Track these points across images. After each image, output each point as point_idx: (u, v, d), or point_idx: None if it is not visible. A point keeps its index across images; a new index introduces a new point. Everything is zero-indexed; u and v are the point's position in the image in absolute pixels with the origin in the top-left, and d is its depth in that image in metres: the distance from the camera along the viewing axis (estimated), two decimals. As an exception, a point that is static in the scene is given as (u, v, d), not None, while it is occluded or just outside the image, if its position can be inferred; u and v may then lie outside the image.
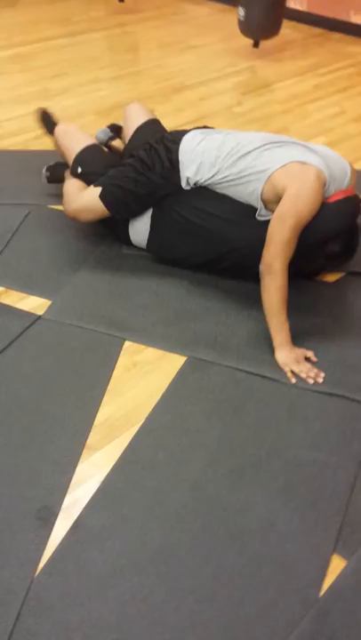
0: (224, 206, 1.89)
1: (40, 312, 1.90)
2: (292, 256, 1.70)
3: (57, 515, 1.34)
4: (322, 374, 1.66)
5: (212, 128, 2.09)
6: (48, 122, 2.50)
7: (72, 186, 2.13)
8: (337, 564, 1.26)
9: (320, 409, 1.58)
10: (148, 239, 2.05)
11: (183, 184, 1.94)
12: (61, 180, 2.31)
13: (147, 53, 4.07)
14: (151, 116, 2.27)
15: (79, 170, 2.11)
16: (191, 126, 2.17)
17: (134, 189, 1.95)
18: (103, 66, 3.83)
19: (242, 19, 3.76)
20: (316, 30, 4.53)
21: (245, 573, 1.23)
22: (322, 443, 1.49)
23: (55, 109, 3.23)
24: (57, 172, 2.36)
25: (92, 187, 2.04)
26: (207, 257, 1.97)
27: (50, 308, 1.91)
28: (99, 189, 1.99)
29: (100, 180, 2.02)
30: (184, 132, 1.99)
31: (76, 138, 2.19)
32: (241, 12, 3.74)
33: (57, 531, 1.32)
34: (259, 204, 1.82)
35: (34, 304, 1.93)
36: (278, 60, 3.98)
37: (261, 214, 1.83)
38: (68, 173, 2.23)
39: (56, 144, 2.28)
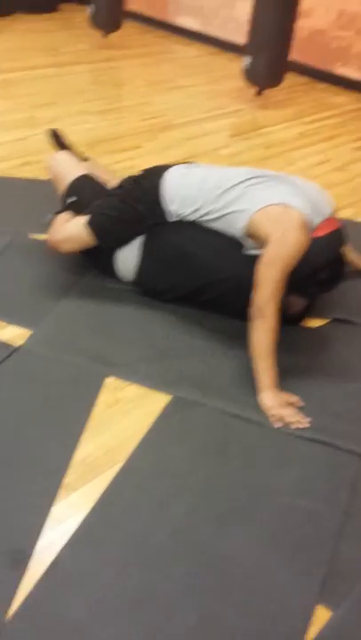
0: (213, 236, 1.90)
1: (20, 342, 1.84)
2: (285, 288, 1.71)
3: (30, 557, 1.28)
4: (307, 419, 1.65)
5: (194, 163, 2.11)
6: (59, 142, 2.51)
7: (60, 218, 2.11)
8: (322, 615, 1.22)
9: (306, 455, 1.56)
10: (136, 267, 2.03)
11: (167, 218, 1.94)
12: None
13: (134, 90, 4.13)
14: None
15: (70, 199, 2.10)
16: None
17: (121, 217, 1.96)
18: (90, 99, 3.87)
19: (247, 67, 3.87)
20: (302, 79, 4.68)
21: (229, 621, 1.18)
22: (307, 490, 1.46)
23: (42, 138, 3.23)
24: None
25: (78, 217, 2.03)
26: (192, 286, 1.97)
27: (30, 338, 1.87)
28: (85, 218, 1.99)
29: (87, 210, 2.01)
30: (167, 167, 2.01)
31: (69, 167, 2.19)
32: (246, 60, 3.85)
33: (30, 574, 1.25)
34: (245, 242, 1.85)
35: (13, 333, 1.88)
36: (265, 105, 4.08)
37: (248, 249, 1.85)
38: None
39: (50, 172, 2.27)
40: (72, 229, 2.01)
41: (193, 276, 1.95)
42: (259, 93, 4.12)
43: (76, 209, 2.08)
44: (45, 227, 2.31)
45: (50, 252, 2.09)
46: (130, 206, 1.95)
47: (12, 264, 2.19)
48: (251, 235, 1.81)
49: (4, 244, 2.28)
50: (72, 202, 2.10)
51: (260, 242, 1.77)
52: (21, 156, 3.00)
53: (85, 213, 2.00)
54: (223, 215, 1.85)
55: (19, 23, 5.45)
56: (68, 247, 2.03)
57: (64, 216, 2.11)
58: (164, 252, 1.97)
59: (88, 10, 4.76)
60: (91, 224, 1.97)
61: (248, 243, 1.84)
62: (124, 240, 2.01)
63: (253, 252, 1.82)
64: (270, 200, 1.77)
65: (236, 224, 1.82)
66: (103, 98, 3.92)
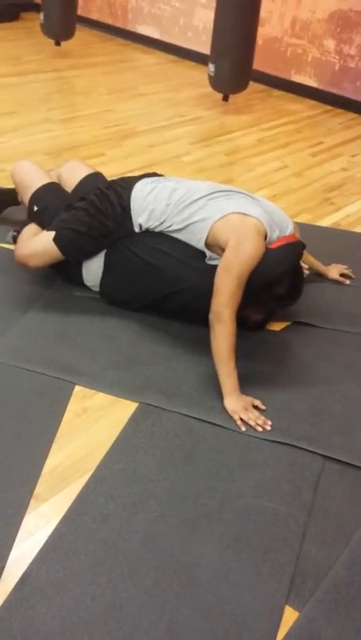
0: (177, 246, 1.94)
1: (-14, 354, 1.84)
2: (242, 301, 1.76)
3: (2, 569, 1.28)
4: (269, 422, 1.70)
5: (161, 175, 2.15)
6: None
7: (26, 232, 2.12)
8: (290, 616, 1.26)
9: (270, 457, 1.60)
10: (102, 278, 2.05)
11: (136, 229, 1.97)
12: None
13: (96, 98, 4.15)
14: (94, 170, 2.30)
15: (35, 208, 2.11)
16: (140, 173, 2.21)
17: (88, 232, 1.97)
18: (53, 107, 3.87)
19: (212, 74, 3.93)
20: (259, 86, 4.77)
21: (199, 627, 1.21)
22: (273, 491, 1.51)
23: (5, 147, 3.22)
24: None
25: (44, 232, 2.03)
26: (156, 295, 2.00)
27: (-4, 349, 1.87)
28: (52, 234, 1.99)
29: (53, 224, 2.02)
30: (135, 180, 2.03)
31: (33, 176, 2.18)
32: (211, 67, 3.90)
33: (2, 586, 1.26)
34: (206, 252, 1.89)
35: (-21, 345, 1.88)
36: (224, 113, 4.15)
37: (211, 259, 1.89)
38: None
39: (15, 180, 2.26)
40: (39, 244, 2.01)
41: (156, 286, 1.98)
42: (225, 99, 4.19)
43: (41, 218, 2.09)
44: (10, 243, 2.32)
45: (18, 265, 2.09)
46: (97, 220, 1.97)
47: (-24, 276, 2.18)
48: (212, 244, 1.86)
49: (-33, 256, 2.27)
50: (36, 211, 2.11)
51: (221, 251, 1.82)
52: (-17, 165, 2.99)
53: (52, 227, 2.01)
54: (186, 226, 1.89)
55: (-22, 31, 5.41)
56: (35, 262, 2.04)
57: (30, 230, 2.12)
58: (128, 263, 1.99)
59: (40, 17, 4.74)
60: (58, 239, 1.98)
61: (209, 252, 1.89)
62: (91, 253, 2.03)
63: (215, 262, 1.86)
64: (230, 209, 1.82)
65: (198, 233, 1.87)
66: (66, 106, 3.92)
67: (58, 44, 5.00)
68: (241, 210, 1.82)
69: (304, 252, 2.24)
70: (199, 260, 1.91)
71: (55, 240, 1.97)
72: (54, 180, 2.26)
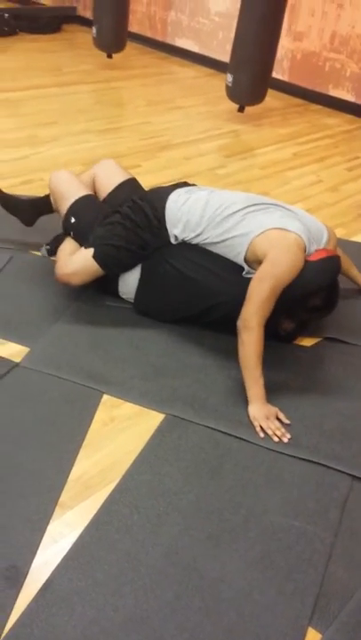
0: (215, 260, 1.94)
1: (17, 359, 1.87)
2: (276, 310, 1.76)
3: (26, 575, 1.29)
4: (288, 435, 1.69)
5: (193, 185, 2.16)
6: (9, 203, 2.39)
7: (64, 250, 2.13)
8: (312, 637, 1.24)
9: (298, 475, 1.58)
10: (137, 289, 2.06)
11: (172, 240, 1.98)
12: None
13: (134, 109, 4.20)
14: (129, 175, 2.31)
15: (72, 220, 2.12)
16: (174, 184, 2.22)
17: (126, 246, 1.98)
18: (92, 118, 3.93)
19: (229, 84, 3.94)
20: (296, 100, 4.77)
21: (220, 646, 1.20)
22: (299, 510, 1.49)
23: (44, 156, 3.29)
24: (57, 244, 2.30)
25: (82, 249, 2.05)
26: (196, 309, 2.01)
27: (28, 355, 1.89)
28: (91, 250, 2.01)
29: (90, 240, 2.04)
30: (168, 191, 2.04)
31: (70, 187, 2.19)
32: (229, 77, 3.91)
33: (25, 592, 1.26)
34: (245, 266, 1.88)
35: (11, 351, 1.91)
36: (260, 126, 4.16)
37: (248, 273, 1.89)
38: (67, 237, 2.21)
39: (51, 190, 2.27)
40: (79, 262, 2.03)
41: (193, 299, 1.99)
42: (240, 110, 4.19)
43: (77, 230, 2.11)
44: (43, 257, 2.34)
45: (61, 283, 2.09)
46: (134, 233, 1.98)
47: (12, 281, 2.22)
48: (250, 259, 1.86)
49: (4, 261, 2.31)
50: (73, 223, 2.13)
51: (259, 265, 1.82)
52: (23, 174, 3.05)
53: (90, 244, 2.03)
54: (224, 240, 1.90)
55: (22, 43, 5.55)
56: (77, 280, 2.05)
57: (68, 246, 2.13)
58: (165, 275, 2.00)
59: (93, 31, 4.85)
60: (97, 256, 2.00)
61: (247, 267, 1.88)
62: (130, 267, 2.05)
63: (252, 275, 1.86)
64: (270, 225, 1.83)
65: (237, 248, 1.88)
66: (104, 117, 3.98)
67: (110, 56, 5.10)
68: (281, 225, 1.82)
69: (348, 262, 2.23)
70: (236, 274, 1.91)
71: (95, 257, 2.00)
72: (88, 181, 2.28)
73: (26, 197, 2.42)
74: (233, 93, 4.00)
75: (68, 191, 2.19)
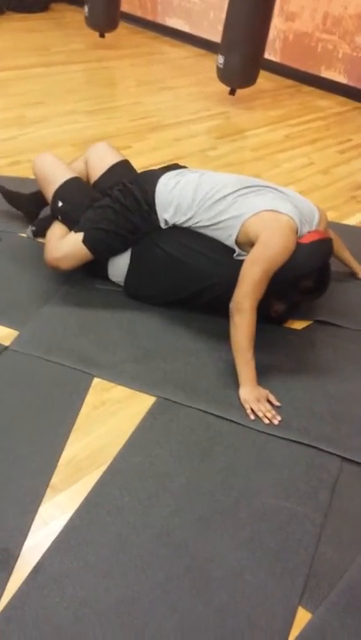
0: (206, 243, 1.93)
1: (6, 343, 1.86)
2: (268, 292, 1.76)
3: (17, 558, 1.29)
4: (278, 417, 1.69)
5: (183, 167, 2.13)
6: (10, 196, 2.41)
7: (53, 234, 2.10)
8: (302, 617, 1.25)
9: (288, 457, 1.59)
10: (128, 273, 2.05)
11: (162, 224, 1.96)
12: (47, 228, 2.25)
13: (124, 90, 4.14)
14: (122, 157, 2.27)
15: (59, 204, 2.09)
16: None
17: (116, 230, 1.96)
18: (80, 99, 3.87)
19: (220, 66, 3.87)
20: (288, 82, 4.72)
21: (211, 624, 1.21)
22: (289, 492, 1.49)
23: (32, 137, 3.24)
24: (42, 225, 2.31)
25: (72, 233, 2.03)
26: (187, 292, 1.99)
27: (17, 339, 1.88)
28: (80, 235, 1.99)
29: (80, 224, 2.02)
30: (158, 174, 2.02)
31: (56, 170, 2.16)
32: (220, 59, 3.85)
33: (17, 575, 1.26)
34: (236, 248, 1.87)
35: (0, 334, 1.89)
36: (251, 107, 4.11)
37: (239, 256, 1.88)
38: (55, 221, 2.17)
39: (36, 174, 2.24)
40: (69, 246, 2.01)
41: (184, 283, 1.98)
42: (232, 93, 4.13)
43: (65, 214, 2.09)
44: (29, 239, 2.32)
45: (50, 267, 2.07)
46: (124, 217, 1.96)
47: (0, 264, 2.20)
48: (242, 241, 1.84)
49: (-9, 245, 2.28)
50: (61, 207, 2.10)
51: (251, 247, 1.80)
52: (11, 155, 3.01)
53: (79, 228, 2.01)
54: (216, 223, 1.88)
55: (9, 22, 5.44)
56: (67, 264, 2.03)
57: (57, 230, 2.10)
58: (155, 259, 1.98)
59: (85, 10, 4.76)
60: (87, 240, 1.98)
61: (239, 249, 1.87)
62: (120, 251, 2.03)
63: (243, 257, 1.85)
64: (262, 206, 1.81)
65: (229, 230, 1.86)
66: (94, 98, 3.93)
67: (102, 35, 5.02)
68: (273, 207, 1.81)
69: (341, 246, 2.22)
70: (227, 256, 1.90)
71: (85, 241, 1.98)
72: (82, 166, 2.26)
73: (27, 193, 2.38)
74: (224, 75, 3.94)
75: (54, 174, 2.15)
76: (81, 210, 2.04)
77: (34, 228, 2.33)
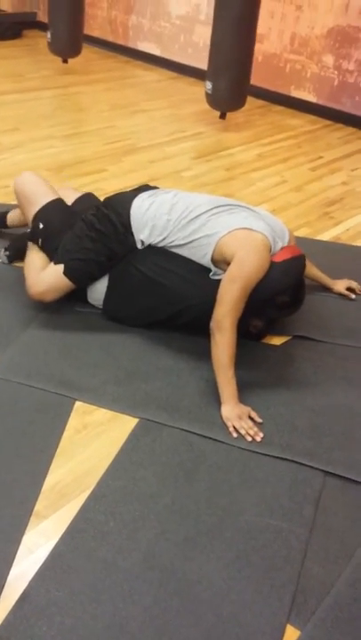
0: (181, 264, 1.95)
1: (-13, 369, 1.85)
2: (246, 309, 1.78)
3: (2, 587, 1.28)
4: (261, 434, 1.70)
5: (155, 188, 2.15)
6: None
7: (33, 266, 2.08)
8: (291, 634, 1.25)
9: (271, 473, 1.60)
10: (106, 296, 2.06)
11: (138, 245, 1.98)
12: (22, 256, 2.25)
13: (98, 114, 4.19)
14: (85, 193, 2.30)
15: (40, 226, 2.08)
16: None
17: (95, 258, 1.98)
18: (55, 124, 3.90)
19: (209, 92, 3.95)
20: (259, 102, 4.81)
21: (200, 648, 1.20)
22: (274, 508, 1.50)
23: (7, 163, 3.25)
24: (17, 249, 2.31)
25: (51, 265, 2.03)
26: (165, 314, 2.01)
27: (-3, 365, 1.87)
28: (61, 267, 1.99)
29: (59, 255, 2.02)
30: (131, 196, 2.04)
31: (38, 190, 2.14)
32: (208, 85, 3.93)
33: (2, 604, 1.25)
34: (211, 267, 1.90)
35: (-20, 361, 1.89)
36: (224, 128, 4.18)
37: (215, 275, 1.90)
38: (31, 245, 2.16)
39: (16, 192, 2.20)
40: (50, 279, 2.01)
41: (162, 304, 1.99)
42: (222, 117, 4.22)
43: (45, 237, 2.08)
44: (4, 263, 2.31)
45: (33, 300, 2.07)
46: (101, 244, 1.98)
47: (-23, 291, 2.19)
48: (217, 259, 1.87)
49: (-31, 272, 2.28)
50: (42, 229, 2.08)
51: (226, 266, 1.83)
52: (-14, 181, 3.02)
53: (59, 260, 2.01)
54: (191, 242, 1.91)
55: (-19, 49, 5.48)
56: (51, 297, 2.03)
57: (37, 261, 2.09)
58: (132, 281, 2.00)
59: (47, 35, 4.81)
60: (68, 272, 1.99)
61: (215, 268, 1.90)
62: (100, 277, 2.04)
63: (219, 277, 1.87)
64: (236, 225, 1.85)
65: (204, 249, 1.89)
66: (68, 122, 3.96)
67: (65, 61, 5.06)
68: (246, 225, 1.84)
69: (308, 264, 2.26)
70: (203, 277, 1.92)
71: (66, 273, 1.99)
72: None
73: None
74: (213, 101, 4.01)
75: (35, 195, 2.14)
76: (61, 234, 2.04)
77: (8, 253, 2.33)
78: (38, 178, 2.20)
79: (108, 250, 1.98)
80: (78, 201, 2.24)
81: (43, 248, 2.11)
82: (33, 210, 2.12)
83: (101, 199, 2.20)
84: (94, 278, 2.04)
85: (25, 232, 2.27)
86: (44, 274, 2.04)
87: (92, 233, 1.99)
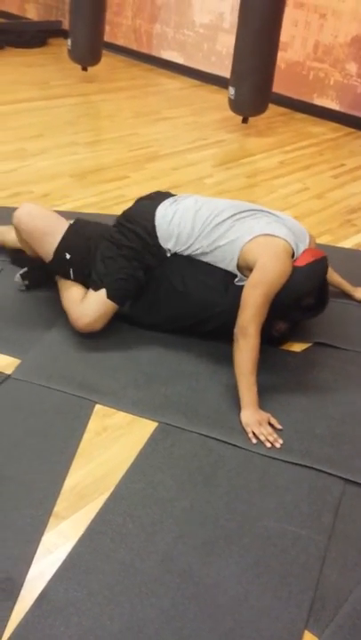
0: (205, 271, 1.96)
1: (8, 371, 1.87)
2: (270, 312, 1.79)
3: (21, 587, 1.29)
4: (280, 440, 1.70)
5: (168, 194, 2.13)
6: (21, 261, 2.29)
7: (72, 299, 2.02)
8: (308, 642, 1.24)
9: (291, 480, 1.59)
10: (131, 304, 2.05)
11: (167, 254, 2.00)
12: (40, 284, 2.22)
13: (121, 121, 4.23)
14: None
15: (67, 256, 2.00)
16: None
17: (134, 275, 1.98)
18: (79, 130, 3.95)
19: (232, 97, 3.99)
20: (281, 109, 4.82)
21: (217, 652, 1.20)
22: (293, 515, 1.49)
23: (32, 169, 3.30)
24: (34, 277, 2.23)
25: (91, 292, 1.98)
26: (190, 321, 2.02)
27: (19, 367, 1.89)
28: (103, 292, 1.96)
29: (95, 282, 1.98)
30: (153, 205, 2.03)
31: (49, 220, 2.06)
32: (231, 91, 3.97)
33: (21, 604, 1.26)
34: (237, 273, 1.91)
35: (2, 363, 1.91)
36: (246, 135, 4.20)
37: (240, 281, 1.92)
38: (59, 278, 2.08)
39: (23, 229, 2.06)
40: (96, 308, 1.97)
41: (188, 312, 2.00)
42: (244, 121, 4.24)
43: (76, 266, 2.02)
44: (21, 288, 2.23)
45: (84, 332, 2.00)
46: (136, 261, 1.97)
47: (1, 293, 2.22)
48: (241, 265, 1.88)
49: (-7, 275, 2.31)
50: (69, 259, 2.01)
51: (249, 272, 1.84)
52: (11, 186, 3.06)
53: (98, 285, 1.97)
54: (215, 248, 1.92)
55: (9, 57, 5.57)
56: (100, 324, 1.99)
57: (73, 293, 2.03)
58: (158, 290, 2.00)
59: (68, 43, 4.87)
60: (112, 295, 1.96)
61: (238, 274, 1.91)
62: (138, 293, 2.02)
63: (243, 282, 1.88)
64: (258, 231, 1.86)
65: (229, 255, 1.90)
66: (91, 129, 4.01)
67: (85, 69, 5.12)
68: (269, 231, 1.85)
69: (330, 270, 2.26)
70: (227, 283, 1.93)
71: (110, 297, 1.96)
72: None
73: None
74: (236, 106, 4.06)
75: (49, 226, 2.04)
76: (89, 257, 2.00)
77: (27, 283, 2.22)
78: (42, 208, 2.12)
79: (144, 265, 1.98)
80: (75, 227, 2.11)
81: (75, 279, 2.04)
82: (51, 240, 2.01)
83: (124, 207, 2.19)
84: (133, 295, 2.01)
85: (41, 263, 2.14)
86: (87, 303, 1.98)
87: (123, 251, 1.97)
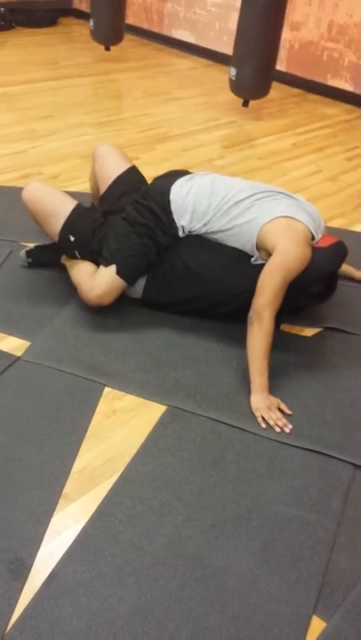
0: (220, 251, 1.94)
1: (18, 353, 1.87)
2: (286, 296, 1.77)
3: (30, 567, 1.30)
4: (290, 426, 1.69)
5: (185, 172, 2.11)
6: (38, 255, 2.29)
7: (84, 272, 2.03)
8: (317, 625, 1.24)
9: (300, 465, 1.58)
10: (146, 286, 2.04)
11: (180, 233, 1.97)
12: (44, 264, 2.23)
13: (132, 102, 4.18)
14: (128, 163, 2.22)
15: (71, 239, 2.02)
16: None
17: (145, 252, 1.96)
18: (89, 111, 3.91)
19: (233, 78, 3.89)
20: (294, 90, 4.74)
21: (225, 634, 1.20)
22: (302, 500, 1.49)
23: (42, 150, 3.27)
24: (39, 256, 2.25)
25: (102, 268, 1.98)
26: (207, 302, 2.01)
27: (29, 349, 1.89)
28: (113, 268, 1.96)
29: (107, 257, 1.98)
30: (169, 182, 2.02)
31: (55, 200, 2.04)
32: (232, 71, 3.87)
33: (30, 584, 1.27)
34: (255, 253, 1.89)
35: (12, 345, 1.91)
36: (258, 117, 4.13)
37: (256, 260, 1.90)
38: (65, 258, 2.12)
39: (29, 207, 2.06)
40: (105, 282, 1.96)
41: (205, 293, 1.98)
42: (245, 104, 4.15)
43: (80, 248, 2.03)
44: (24, 263, 2.25)
45: (92, 306, 2.02)
46: (148, 238, 1.96)
47: (12, 275, 2.22)
48: (259, 246, 1.86)
49: (4, 255, 2.30)
50: (73, 241, 2.02)
51: (267, 252, 1.82)
52: (21, 167, 3.04)
53: (109, 261, 1.97)
54: (232, 227, 1.89)
55: (19, 37, 5.52)
56: (109, 299, 1.99)
57: (84, 267, 2.04)
58: (173, 272, 1.98)
59: (90, 23, 4.81)
60: (121, 272, 1.96)
61: (255, 253, 1.89)
62: (147, 271, 2.02)
63: (259, 262, 1.87)
64: (278, 213, 1.83)
65: (247, 235, 1.87)
66: (102, 110, 3.96)
67: (108, 48, 5.06)
68: (289, 213, 1.83)
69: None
70: (244, 263, 1.91)
71: (119, 273, 1.96)
72: (92, 182, 2.25)
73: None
74: (236, 87, 3.95)
75: (54, 207, 2.03)
76: (93, 237, 2.00)
77: (30, 260, 2.25)
78: (48, 187, 2.09)
79: (156, 243, 1.97)
80: (116, 183, 2.15)
81: (83, 258, 2.06)
82: (55, 221, 2.02)
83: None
84: (144, 273, 2.01)
85: (51, 244, 2.18)
86: (98, 277, 1.98)
87: (137, 228, 1.96)
